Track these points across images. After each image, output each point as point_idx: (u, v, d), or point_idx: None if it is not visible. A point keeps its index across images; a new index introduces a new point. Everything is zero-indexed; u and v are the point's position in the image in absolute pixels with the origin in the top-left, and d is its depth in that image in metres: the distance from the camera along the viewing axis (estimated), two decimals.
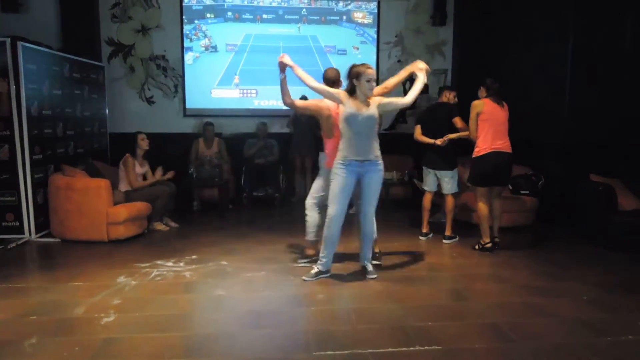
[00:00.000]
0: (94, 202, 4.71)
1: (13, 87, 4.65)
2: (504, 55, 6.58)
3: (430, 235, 5.01)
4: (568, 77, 5.52)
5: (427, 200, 4.98)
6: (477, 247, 4.50)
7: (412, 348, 2.63)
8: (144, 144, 5.33)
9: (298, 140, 6.87)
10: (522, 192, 5.43)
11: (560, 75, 5.61)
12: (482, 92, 4.45)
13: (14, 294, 3.43)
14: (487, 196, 4.46)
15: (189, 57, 7.30)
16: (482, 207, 4.44)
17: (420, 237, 4.99)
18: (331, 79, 3.91)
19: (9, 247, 4.61)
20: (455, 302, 3.35)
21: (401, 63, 7.61)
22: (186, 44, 7.27)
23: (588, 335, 2.81)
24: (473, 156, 4.40)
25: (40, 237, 4.95)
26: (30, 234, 4.88)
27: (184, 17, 7.22)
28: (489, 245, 4.46)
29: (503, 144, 4.33)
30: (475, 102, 4.37)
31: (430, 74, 7.60)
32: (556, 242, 4.93)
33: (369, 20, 7.64)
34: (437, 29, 7.64)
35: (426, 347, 2.64)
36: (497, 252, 4.49)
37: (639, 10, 4.92)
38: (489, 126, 4.30)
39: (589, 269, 4.02)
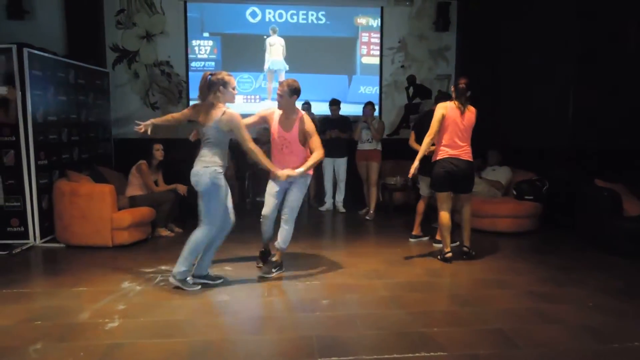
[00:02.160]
0: (98, 208, 4.72)
1: (19, 94, 4.69)
2: (508, 60, 6.59)
3: (423, 238, 5.02)
4: (572, 81, 5.52)
5: (420, 205, 5.01)
6: (438, 257, 4.40)
7: (417, 354, 2.62)
8: (158, 154, 5.39)
9: None
10: (526, 197, 5.43)
11: (565, 79, 5.61)
12: (452, 91, 4.35)
13: (18, 299, 3.44)
14: (449, 203, 4.33)
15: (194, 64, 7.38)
16: (443, 216, 4.31)
17: (410, 240, 5.00)
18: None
19: (13, 252, 4.62)
20: (460, 307, 3.33)
21: (404, 68, 7.65)
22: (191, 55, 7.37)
23: (594, 342, 2.79)
24: (432, 161, 4.31)
25: (45, 242, 4.97)
26: (35, 239, 4.89)
27: (187, 25, 7.28)
28: (449, 255, 4.31)
29: (461, 152, 4.21)
30: (440, 104, 4.27)
31: (434, 79, 7.72)
32: (561, 247, 4.91)
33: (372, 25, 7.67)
34: (440, 34, 7.67)
35: (432, 353, 2.63)
36: (501, 258, 4.48)
37: None
38: (448, 132, 4.19)
39: (594, 275, 3.99)
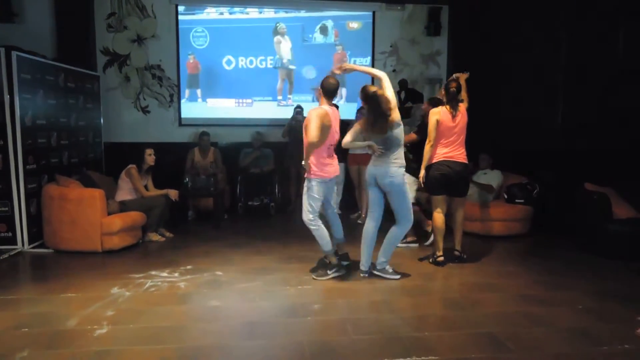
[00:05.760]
0: (87, 212, 4.68)
1: (7, 97, 4.64)
2: (498, 65, 6.63)
3: (412, 244, 5.03)
4: (562, 85, 5.56)
5: None
6: (430, 260, 4.42)
7: (408, 358, 2.62)
8: (150, 159, 5.34)
9: (293, 149, 6.87)
10: (517, 200, 5.45)
11: (554, 83, 5.66)
12: (441, 94, 4.39)
13: (5, 306, 3.39)
14: (444, 207, 4.36)
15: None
16: (437, 218, 4.34)
17: (399, 245, 5.00)
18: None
19: (1, 257, 4.56)
20: (452, 311, 3.33)
21: (396, 73, 7.67)
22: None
23: (585, 345, 2.81)
24: (426, 164, 4.35)
25: (34, 247, 4.91)
26: (23, 245, 4.83)
27: (179, 18, 7.25)
28: (441, 259, 4.34)
29: (456, 155, 4.27)
30: (433, 110, 4.32)
31: (425, 83, 7.76)
32: (551, 250, 4.93)
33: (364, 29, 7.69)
34: (432, 38, 7.71)
35: (423, 358, 2.63)
36: (492, 261, 4.50)
37: (631, 20, 4.97)
38: (442, 136, 4.24)
39: (585, 278, 4.02)
